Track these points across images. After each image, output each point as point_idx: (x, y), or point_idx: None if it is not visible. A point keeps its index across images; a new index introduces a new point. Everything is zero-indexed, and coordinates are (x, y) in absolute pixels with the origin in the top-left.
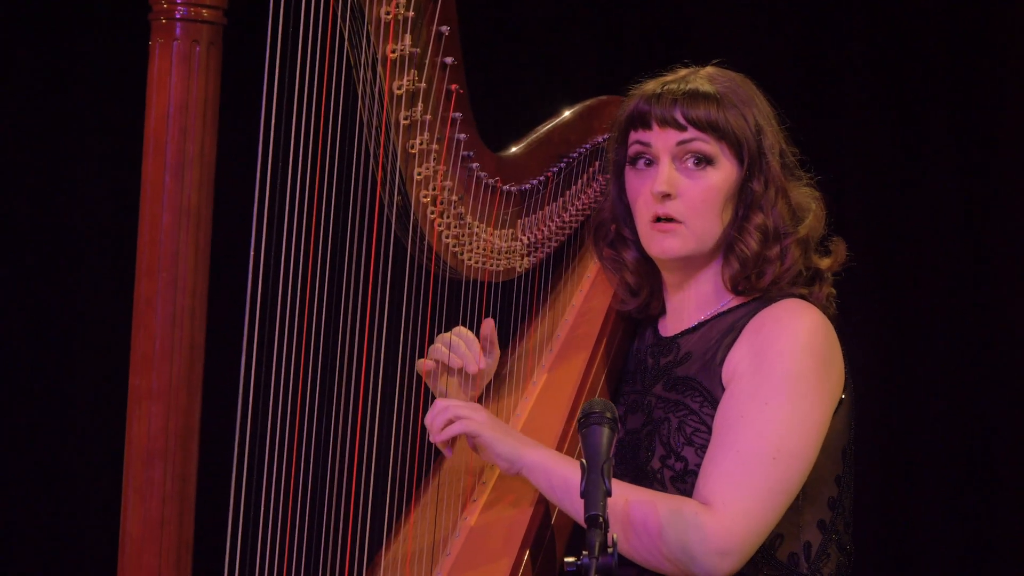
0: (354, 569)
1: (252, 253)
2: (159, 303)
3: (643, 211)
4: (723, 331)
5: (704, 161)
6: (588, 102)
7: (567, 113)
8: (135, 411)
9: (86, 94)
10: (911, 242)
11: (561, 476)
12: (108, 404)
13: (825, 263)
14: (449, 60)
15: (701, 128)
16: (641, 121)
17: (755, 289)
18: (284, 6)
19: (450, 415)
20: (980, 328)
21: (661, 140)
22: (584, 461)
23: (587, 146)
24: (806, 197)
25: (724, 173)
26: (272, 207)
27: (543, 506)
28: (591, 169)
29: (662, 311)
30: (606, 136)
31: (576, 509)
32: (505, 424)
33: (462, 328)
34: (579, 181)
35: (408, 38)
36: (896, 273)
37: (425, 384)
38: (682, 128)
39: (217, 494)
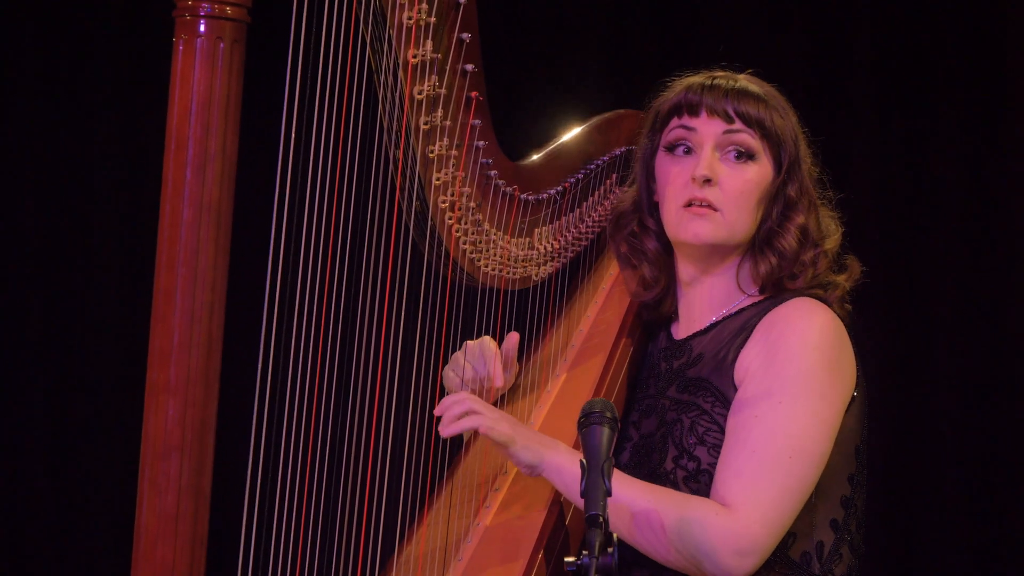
0: (368, 567)
1: (271, 255)
2: (178, 297)
3: (676, 195)
4: (734, 331)
5: (746, 155)
6: (606, 115)
7: (585, 125)
8: (152, 405)
9: (109, 90)
10: (923, 242)
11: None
12: (125, 398)
13: (841, 278)
14: (469, 67)
15: (748, 123)
16: (689, 108)
17: (783, 289)
18: (307, 9)
19: (465, 408)
20: (992, 328)
21: (708, 127)
22: (584, 461)
23: (604, 158)
24: (827, 218)
25: (762, 170)
26: (292, 209)
27: (557, 508)
28: (608, 181)
29: (674, 313)
30: (624, 149)
31: None
32: (519, 423)
33: (487, 340)
34: (596, 193)
35: (429, 44)
36: (909, 274)
37: (440, 388)
38: (730, 119)
39: (232, 489)
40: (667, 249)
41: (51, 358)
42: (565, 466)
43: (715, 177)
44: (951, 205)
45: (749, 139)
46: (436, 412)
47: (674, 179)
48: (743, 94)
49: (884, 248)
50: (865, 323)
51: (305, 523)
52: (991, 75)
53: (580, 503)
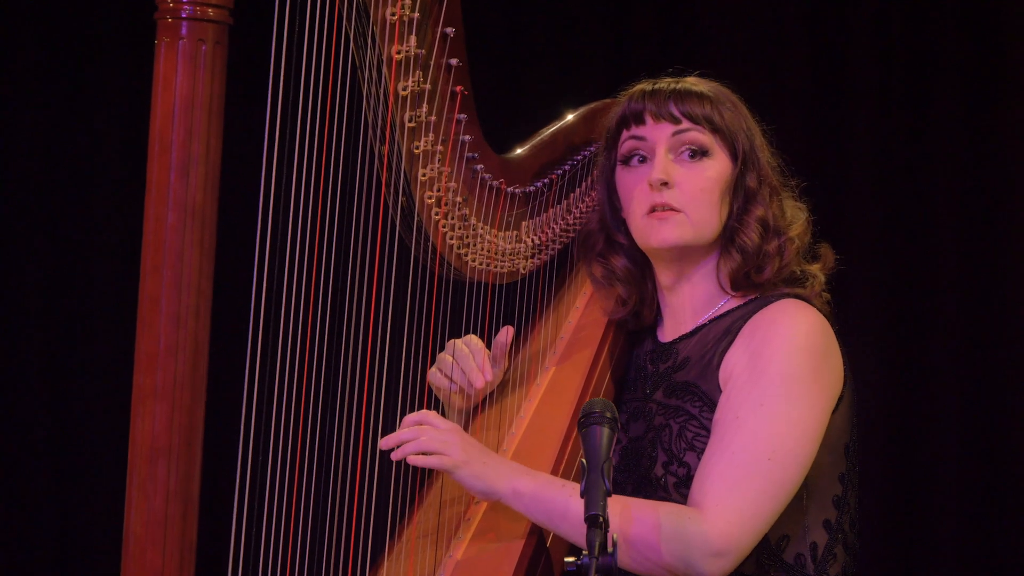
0: (358, 567)
1: (257, 256)
2: (164, 302)
3: (638, 205)
4: (720, 334)
5: (700, 153)
6: (592, 105)
7: (571, 116)
8: (139, 409)
9: (92, 93)
10: (922, 240)
11: (540, 499)
12: (113, 402)
13: (815, 268)
14: (454, 62)
15: (696, 120)
16: (635, 118)
17: (753, 285)
18: (289, 6)
19: (422, 446)
20: (986, 325)
21: (656, 133)
22: (584, 461)
23: (591, 149)
24: (793, 207)
25: (720, 165)
26: (277, 207)
27: (537, 530)
28: (595, 172)
29: (658, 317)
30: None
31: (564, 532)
32: (480, 450)
33: (472, 337)
34: (583, 184)
35: (413, 39)
36: (902, 270)
37: (428, 383)
38: (677, 121)
39: (221, 493)
40: (638, 264)
41: (38, 363)
42: (515, 496)
43: (671, 179)
44: (951, 203)
45: (699, 136)
46: (388, 443)
47: (634, 190)
48: (686, 94)
49: (883, 246)
50: (864, 322)
51: (294, 527)
52: (991, 72)
53: (542, 523)
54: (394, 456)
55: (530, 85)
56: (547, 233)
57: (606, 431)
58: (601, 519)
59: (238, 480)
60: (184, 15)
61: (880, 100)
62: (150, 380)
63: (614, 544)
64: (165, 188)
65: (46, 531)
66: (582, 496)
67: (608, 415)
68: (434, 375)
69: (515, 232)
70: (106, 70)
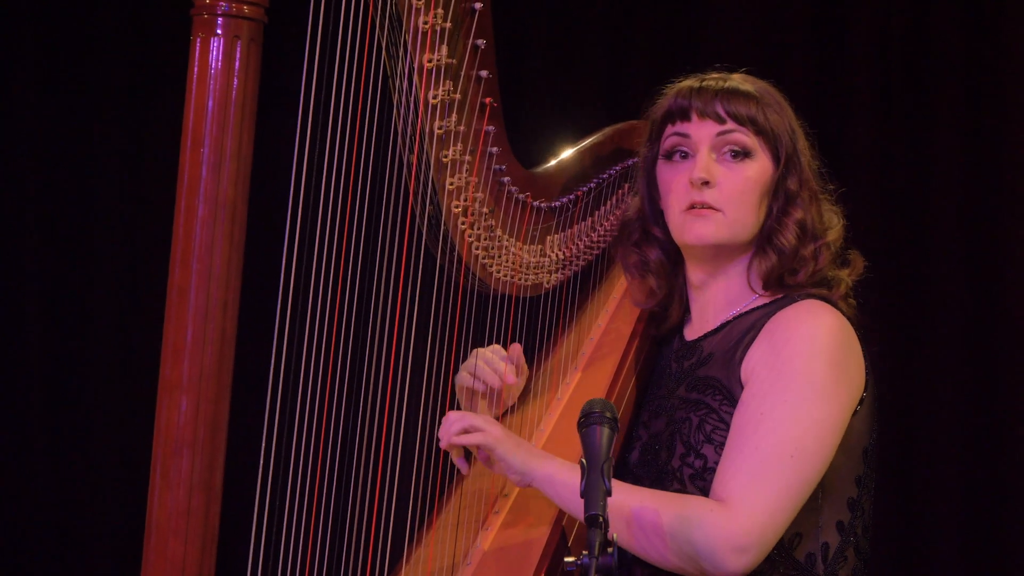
0: (377, 565)
1: (284, 254)
2: (192, 294)
3: (677, 201)
4: (744, 330)
5: (742, 154)
6: (620, 125)
7: (599, 134)
8: (165, 401)
9: (127, 87)
10: (917, 238)
11: (571, 488)
12: (138, 393)
13: (844, 273)
14: (484, 73)
15: (741, 121)
16: (680, 113)
17: (785, 287)
18: (323, 13)
19: (465, 425)
20: (987, 324)
21: (701, 131)
22: (584, 461)
23: (617, 167)
24: (829, 212)
25: (761, 167)
26: (306, 212)
27: (560, 524)
28: (620, 191)
29: (686, 316)
30: (636, 159)
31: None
32: (518, 437)
33: (496, 346)
34: (608, 202)
35: (445, 49)
36: (902, 269)
37: (451, 391)
38: (722, 120)
39: (244, 485)
40: (671, 259)
41: (65, 353)
42: (549, 476)
43: (712, 179)
44: (951, 203)
45: (743, 137)
46: (440, 432)
47: (674, 185)
48: (733, 93)
49: (883, 245)
50: (863, 320)
51: (316, 520)
52: (991, 72)
53: (574, 511)
54: (441, 442)
55: (557, 100)
56: (571, 249)
57: (606, 431)
58: (601, 519)
59: (260, 472)
60: (220, 11)
61: (880, 100)
62: (176, 372)
63: (614, 544)
64: (197, 182)
65: (69, 521)
66: (582, 496)
67: (608, 415)
68: (461, 377)
69: (540, 246)
70: (142, 64)
